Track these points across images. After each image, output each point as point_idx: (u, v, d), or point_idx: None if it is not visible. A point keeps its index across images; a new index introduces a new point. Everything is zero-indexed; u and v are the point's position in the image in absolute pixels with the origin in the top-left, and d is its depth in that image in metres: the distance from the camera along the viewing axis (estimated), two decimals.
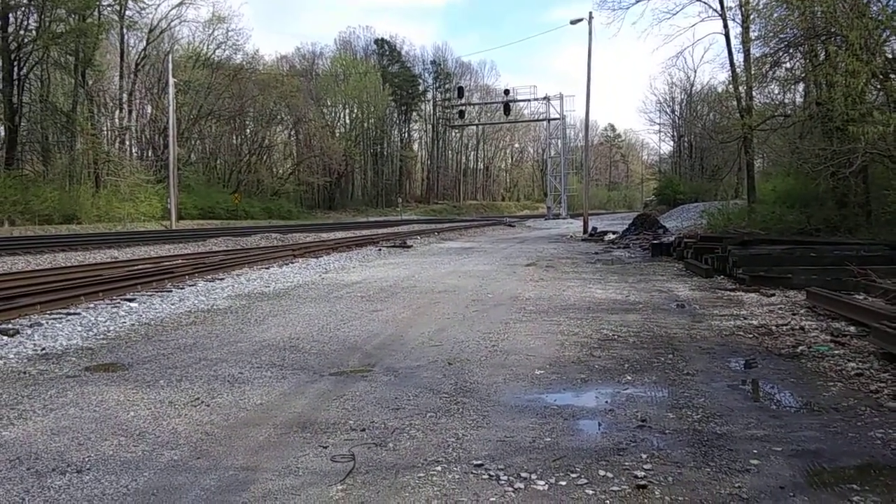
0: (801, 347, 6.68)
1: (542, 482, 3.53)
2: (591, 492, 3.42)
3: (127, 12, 46.17)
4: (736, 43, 24.36)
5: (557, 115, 64.17)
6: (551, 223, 52.59)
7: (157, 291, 11.15)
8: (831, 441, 4.12)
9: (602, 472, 3.64)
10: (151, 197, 44.60)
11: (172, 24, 51.56)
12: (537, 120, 76.18)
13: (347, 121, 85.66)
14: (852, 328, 7.42)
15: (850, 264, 10.97)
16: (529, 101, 68.27)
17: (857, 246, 13.53)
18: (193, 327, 8.07)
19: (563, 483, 3.52)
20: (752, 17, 20.54)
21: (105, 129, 49.80)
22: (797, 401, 5.04)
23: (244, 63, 61.06)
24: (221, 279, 12.98)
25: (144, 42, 50.16)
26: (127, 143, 51.68)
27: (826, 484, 3.51)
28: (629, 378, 5.61)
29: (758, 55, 20.05)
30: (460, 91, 72.38)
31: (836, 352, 6.43)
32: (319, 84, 79.81)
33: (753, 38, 20.76)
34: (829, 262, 11.71)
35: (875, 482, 3.55)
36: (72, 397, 5.10)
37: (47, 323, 8.09)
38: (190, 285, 12.03)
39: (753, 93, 21.91)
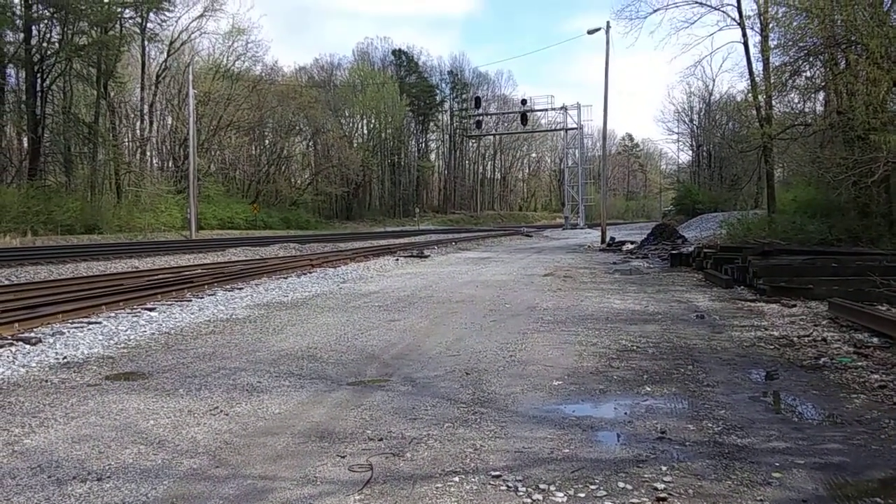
0: (823, 359, 6.60)
1: (560, 494, 3.50)
2: None
3: (148, 25, 46.84)
4: (755, 52, 24.24)
5: (575, 125, 64.03)
6: (569, 233, 52.43)
7: (176, 301, 11.24)
8: (855, 454, 4.06)
9: (621, 484, 3.61)
10: (171, 207, 45.05)
11: (193, 36, 52.19)
12: (554, 130, 76.03)
13: (365, 131, 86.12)
14: (875, 339, 7.32)
15: (873, 275, 10.83)
16: (546, 110, 68.05)
17: (879, 256, 13.35)
18: (213, 336, 8.12)
19: (582, 495, 3.49)
20: (771, 25, 20.45)
21: (126, 140, 50.46)
22: (820, 413, 4.98)
23: (263, 74, 61.68)
24: (240, 289, 13.06)
25: (165, 54, 50.80)
26: (148, 153, 52.28)
27: (849, 497, 3.46)
28: (648, 389, 5.56)
29: (777, 64, 19.97)
30: (477, 101, 72.53)
31: (859, 363, 6.34)
32: (337, 95, 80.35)
33: (773, 46, 20.67)
34: (852, 273, 11.57)
35: None
36: (93, 406, 5.14)
37: (69, 332, 8.17)
38: (209, 295, 12.11)
39: (773, 102, 21.78)
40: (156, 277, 14.17)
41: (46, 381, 5.93)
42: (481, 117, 71.39)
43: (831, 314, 9.02)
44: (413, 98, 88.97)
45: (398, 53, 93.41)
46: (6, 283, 13.87)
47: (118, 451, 4.17)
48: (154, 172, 51.76)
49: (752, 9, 24.65)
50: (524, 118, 67.04)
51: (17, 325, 8.22)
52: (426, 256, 23.28)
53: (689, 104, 67.49)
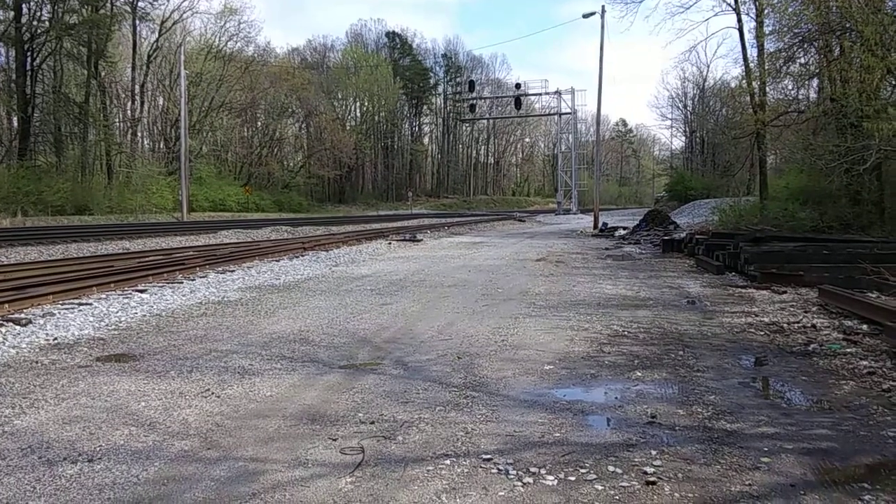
0: (812, 345, 6.64)
1: (551, 477, 3.52)
2: (600, 487, 3.41)
3: (139, 3, 46.37)
4: (750, 38, 24.18)
5: (568, 110, 63.96)
6: (561, 218, 52.48)
7: (168, 283, 11.20)
8: (843, 439, 4.10)
9: (611, 468, 3.63)
10: (163, 188, 44.83)
11: (184, 15, 51.73)
12: (548, 114, 75.91)
13: (358, 114, 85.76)
14: (865, 326, 7.37)
15: (863, 262, 10.88)
16: (541, 95, 67.98)
17: (870, 243, 13.42)
18: (204, 319, 8.10)
19: (573, 478, 3.51)
20: (766, 11, 20.41)
21: (117, 120, 50.08)
22: (808, 399, 5.01)
23: (256, 55, 61.26)
24: (232, 271, 13.03)
25: (157, 34, 50.35)
26: (139, 134, 51.98)
27: (837, 482, 3.48)
28: (639, 374, 5.59)
29: (772, 50, 19.92)
30: (471, 85, 72.20)
31: (849, 350, 6.38)
32: (330, 77, 79.90)
33: (767, 32, 20.61)
34: (842, 260, 11.62)
35: (887, 481, 3.52)
36: (83, 387, 5.13)
37: (59, 313, 8.14)
38: (201, 277, 12.07)
39: (767, 88, 21.76)
40: (147, 259, 14.11)
41: (37, 362, 5.91)
42: (475, 101, 71.29)
43: (821, 301, 9.07)
44: (407, 81, 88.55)
45: (392, 36, 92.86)
46: None
47: (109, 432, 4.16)
48: (145, 153, 51.52)
49: None
50: (518, 102, 66.83)
51: (6, 305, 8.17)
52: (419, 240, 23.26)
53: (683, 90, 67.60)
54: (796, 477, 3.54)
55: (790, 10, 16.94)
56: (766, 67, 20.31)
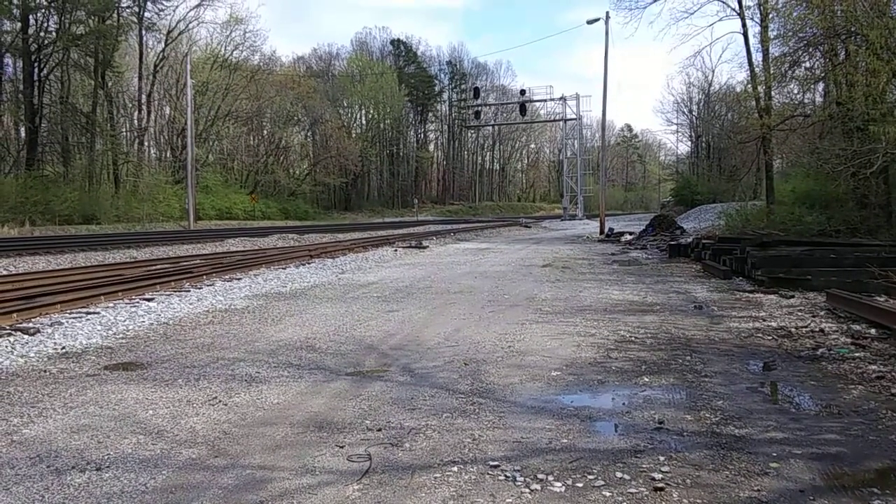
0: (821, 350, 6.61)
1: (558, 483, 3.51)
2: (608, 493, 3.40)
3: (146, 14, 46.60)
4: (755, 42, 24.15)
5: (573, 116, 63.86)
6: (567, 224, 52.43)
7: (175, 291, 11.23)
8: (852, 444, 4.07)
9: (619, 474, 3.62)
10: (170, 197, 44.99)
11: (190, 25, 52.03)
12: (553, 120, 75.80)
13: (363, 121, 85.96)
14: (873, 330, 7.33)
15: (871, 266, 10.83)
16: (546, 101, 67.80)
17: (877, 247, 13.36)
18: (211, 327, 8.12)
19: (580, 485, 3.50)
20: (770, 16, 20.41)
21: (124, 129, 50.34)
22: (817, 403, 4.99)
23: (261, 64, 61.49)
24: (239, 279, 13.05)
25: (163, 44, 50.61)
26: (146, 143, 52.18)
27: (846, 487, 3.47)
28: (646, 380, 5.57)
29: (777, 54, 19.92)
30: (476, 91, 72.31)
31: (857, 354, 6.35)
32: (336, 85, 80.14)
33: (772, 37, 20.62)
34: (850, 264, 11.57)
35: None
36: (91, 396, 5.14)
37: (67, 322, 8.16)
38: (208, 285, 12.10)
39: (772, 92, 21.74)
40: (154, 268, 14.16)
41: (45, 371, 5.93)
42: (480, 108, 71.21)
43: (829, 305, 9.03)
44: (412, 88, 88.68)
45: (397, 43, 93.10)
46: (4, 272, 13.85)
47: (117, 440, 4.17)
48: (152, 162, 51.76)
49: None
50: (523, 109, 66.87)
51: (15, 315, 8.21)
52: (425, 247, 23.27)
53: (688, 95, 67.42)
54: (805, 482, 3.52)
55: (795, 14, 16.95)
56: (772, 72, 20.31)
